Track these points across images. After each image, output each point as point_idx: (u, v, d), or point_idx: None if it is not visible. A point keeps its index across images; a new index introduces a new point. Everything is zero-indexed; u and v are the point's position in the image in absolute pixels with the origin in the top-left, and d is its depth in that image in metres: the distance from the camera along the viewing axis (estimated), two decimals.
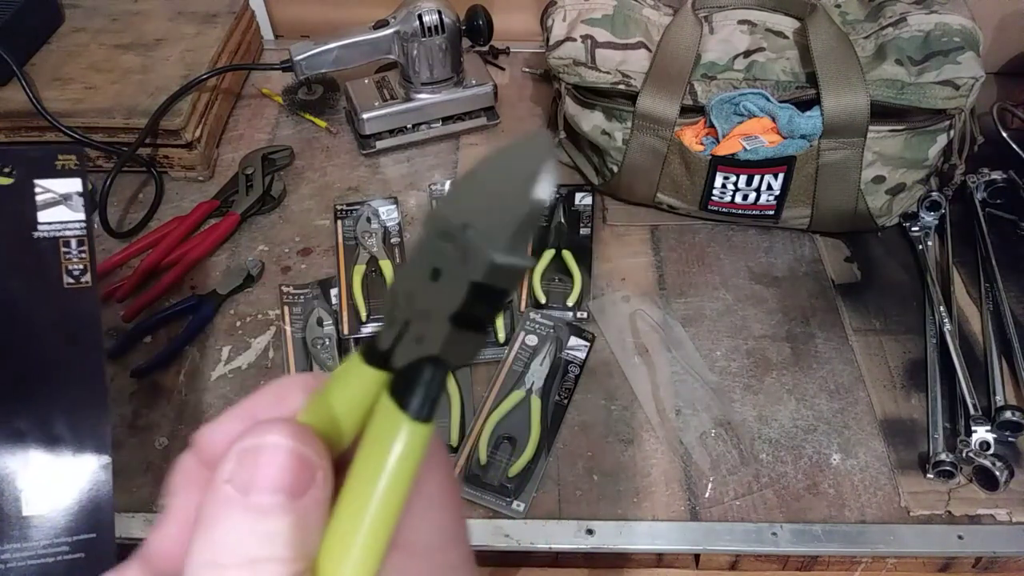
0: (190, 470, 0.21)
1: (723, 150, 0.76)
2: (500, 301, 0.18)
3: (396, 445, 0.18)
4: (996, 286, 0.76)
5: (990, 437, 0.64)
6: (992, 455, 0.63)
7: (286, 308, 0.76)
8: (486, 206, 0.17)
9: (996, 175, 0.85)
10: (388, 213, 0.85)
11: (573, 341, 0.73)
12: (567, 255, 0.80)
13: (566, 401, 0.69)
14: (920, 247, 0.81)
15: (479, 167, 0.18)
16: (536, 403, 0.68)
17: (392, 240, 0.82)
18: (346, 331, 0.74)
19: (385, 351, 0.19)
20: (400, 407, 0.18)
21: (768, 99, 0.76)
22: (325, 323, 0.74)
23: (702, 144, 0.78)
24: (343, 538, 0.18)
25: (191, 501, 0.20)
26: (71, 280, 0.52)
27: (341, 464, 0.20)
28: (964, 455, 0.63)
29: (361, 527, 0.18)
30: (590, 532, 0.62)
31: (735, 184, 0.77)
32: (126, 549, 0.30)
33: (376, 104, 0.91)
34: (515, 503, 0.63)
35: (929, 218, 0.82)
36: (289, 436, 0.18)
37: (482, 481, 0.64)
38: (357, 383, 0.20)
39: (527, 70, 1.05)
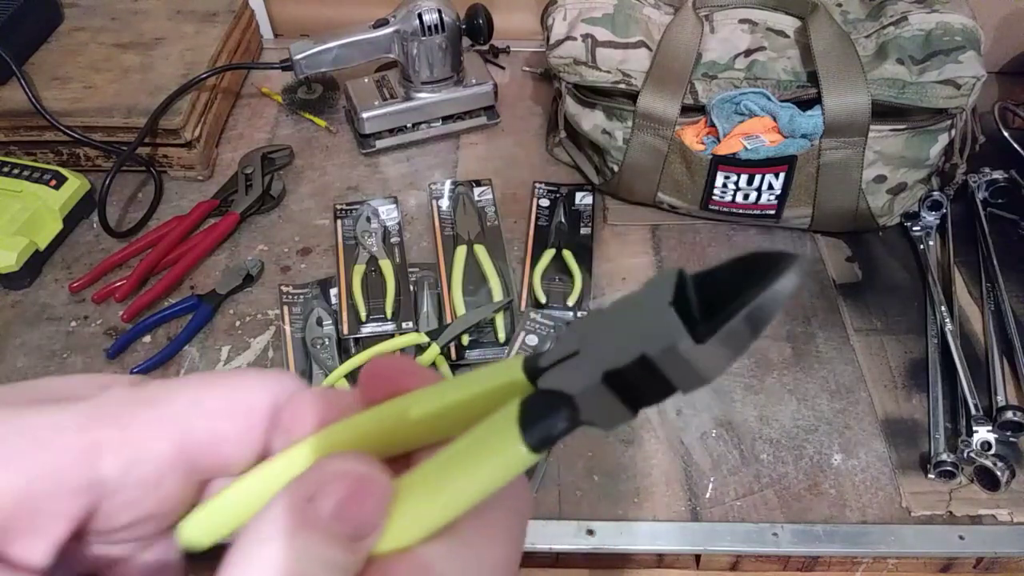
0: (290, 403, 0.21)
1: (724, 149, 0.76)
2: (660, 391, 0.17)
3: (496, 456, 0.18)
4: (997, 286, 0.76)
5: (991, 437, 0.64)
6: (993, 455, 0.63)
7: (285, 308, 0.76)
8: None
9: (997, 174, 0.84)
10: (388, 213, 0.84)
11: None
12: (567, 255, 0.80)
13: None
14: (921, 247, 0.80)
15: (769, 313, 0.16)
16: None
17: (392, 240, 0.82)
18: (346, 331, 0.73)
19: (541, 367, 0.19)
20: (520, 426, 0.18)
21: (769, 98, 0.76)
22: (325, 323, 0.74)
23: (703, 143, 0.78)
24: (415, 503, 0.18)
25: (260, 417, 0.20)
26: None
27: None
28: (965, 455, 0.63)
29: (430, 505, 0.18)
30: (590, 532, 0.61)
31: (736, 184, 0.77)
32: None
33: (376, 103, 0.91)
34: None
35: (930, 218, 0.82)
36: (378, 473, 0.18)
37: None
38: (504, 379, 0.19)
39: (527, 69, 1.05)
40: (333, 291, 0.77)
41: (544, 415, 0.18)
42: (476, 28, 0.89)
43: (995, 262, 0.77)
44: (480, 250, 0.80)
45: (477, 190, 0.87)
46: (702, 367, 0.16)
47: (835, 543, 0.61)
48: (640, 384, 0.16)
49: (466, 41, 0.91)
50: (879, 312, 0.76)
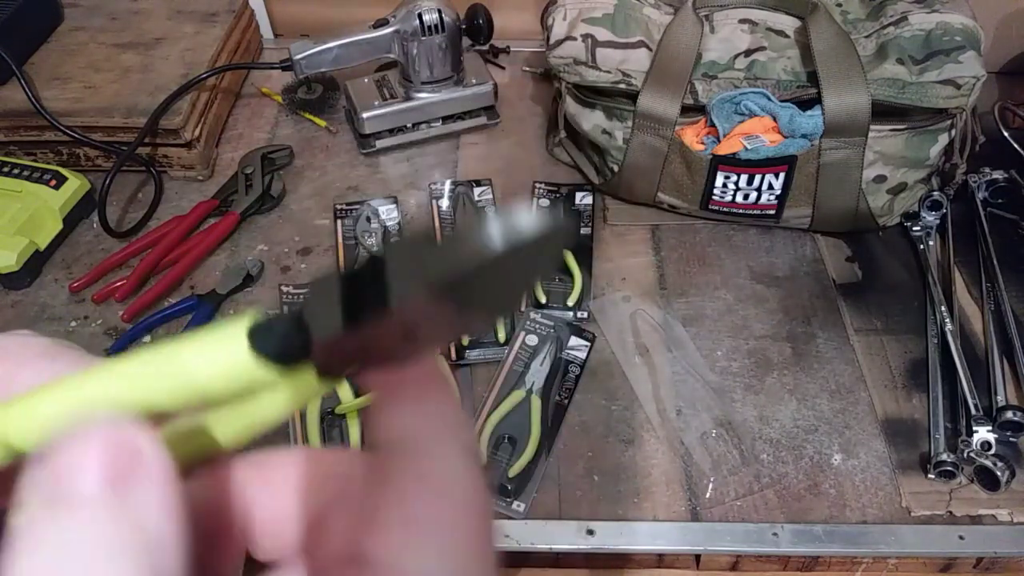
0: None
1: (724, 149, 0.76)
2: (378, 297, 0.16)
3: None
4: (997, 286, 0.76)
5: (991, 437, 0.64)
6: (993, 455, 0.63)
7: (285, 308, 0.76)
8: (490, 290, 0.16)
9: (997, 174, 0.84)
10: (388, 212, 0.84)
11: (573, 341, 0.73)
12: (567, 255, 0.80)
13: (566, 401, 0.69)
14: (921, 247, 0.80)
15: (494, 260, 0.15)
16: (536, 403, 0.68)
17: (392, 239, 0.82)
18: None
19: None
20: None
21: (769, 98, 0.76)
22: None
23: (703, 143, 0.78)
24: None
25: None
26: None
27: None
28: (965, 455, 0.63)
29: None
30: (590, 532, 0.61)
31: (736, 184, 0.77)
32: None
33: (376, 103, 0.91)
34: (515, 503, 0.63)
35: (930, 218, 0.82)
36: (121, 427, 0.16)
37: None
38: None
39: (527, 69, 1.05)
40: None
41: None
42: (476, 28, 0.89)
43: (995, 262, 0.77)
44: None
45: (477, 190, 0.87)
46: (428, 268, 0.15)
47: (835, 543, 0.61)
48: (364, 289, 0.16)
49: (466, 41, 0.91)
50: (879, 312, 0.76)
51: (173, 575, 0.15)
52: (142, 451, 0.15)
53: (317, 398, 0.18)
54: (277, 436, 0.63)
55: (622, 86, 0.78)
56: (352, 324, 0.16)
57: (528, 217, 0.15)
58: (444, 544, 0.18)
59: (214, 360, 0.17)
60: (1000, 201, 0.84)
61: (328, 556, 0.20)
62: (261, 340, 0.17)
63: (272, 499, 0.20)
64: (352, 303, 0.16)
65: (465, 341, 0.73)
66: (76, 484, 0.15)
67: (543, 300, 0.76)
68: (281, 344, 0.17)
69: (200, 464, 0.19)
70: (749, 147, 0.75)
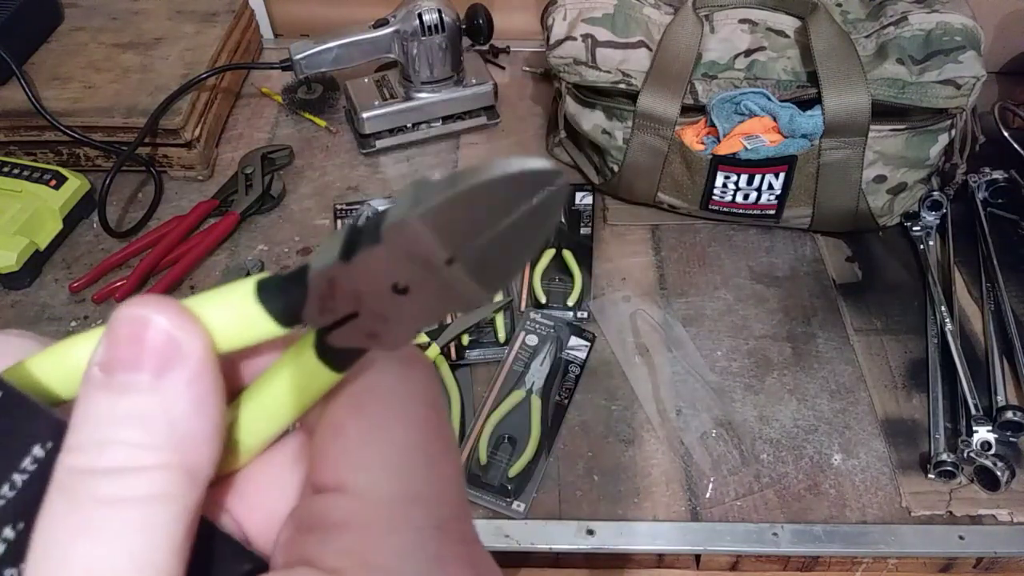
0: None
1: (724, 149, 0.76)
2: (372, 234, 0.16)
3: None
4: (997, 286, 0.76)
5: (991, 437, 0.64)
6: (993, 455, 0.63)
7: None
8: (481, 239, 0.15)
9: (997, 174, 0.84)
10: None
11: (573, 341, 0.73)
12: (567, 255, 0.79)
13: (566, 401, 0.69)
14: (921, 247, 0.80)
15: (484, 185, 0.15)
16: (536, 403, 0.68)
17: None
18: None
19: (297, 316, 0.18)
20: (329, 366, 0.18)
21: (769, 98, 0.76)
22: None
23: (703, 143, 0.78)
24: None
25: None
26: None
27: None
28: (965, 455, 0.63)
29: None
30: (590, 532, 0.61)
31: (736, 184, 0.77)
32: None
33: (376, 103, 0.91)
34: (515, 503, 0.63)
35: (930, 218, 0.82)
36: (157, 312, 0.16)
37: (482, 481, 0.64)
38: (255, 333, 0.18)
39: (527, 69, 1.05)
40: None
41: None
42: (476, 28, 0.89)
43: (995, 262, 0.77)
44: None
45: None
46: (420, 198, 0.15)
47: (835, 543, 0.61)
48: (363, 231, 0.16)
49: (466, 41, 0.91)
50: (879, 312, 0.76)
51: (202, 473, 0.16)
52: (180, 345, 0.16)
53: (318, 391, 0.18)
54: None
55: (622, 86, 0.78)
56: (348, 255, 0.16)
57: (523, 158, 0.15)
58: (392, 462, 0.18)
59: (224, 307, 0.17)
60: (1000, 201, 0.84)
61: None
62: (267, 288, 0.17)
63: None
64: (351, 242, 0.16)
65: (465, 340, 0.73)
66: (120, 368, 0.16)
67: (543, 300, 0.76)
68: (283, 287, 0.17)
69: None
70: (749, 147, 0.75)
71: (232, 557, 0.18)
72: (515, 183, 0.15)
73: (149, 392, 0.16)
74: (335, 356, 0.18)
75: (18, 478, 0.16)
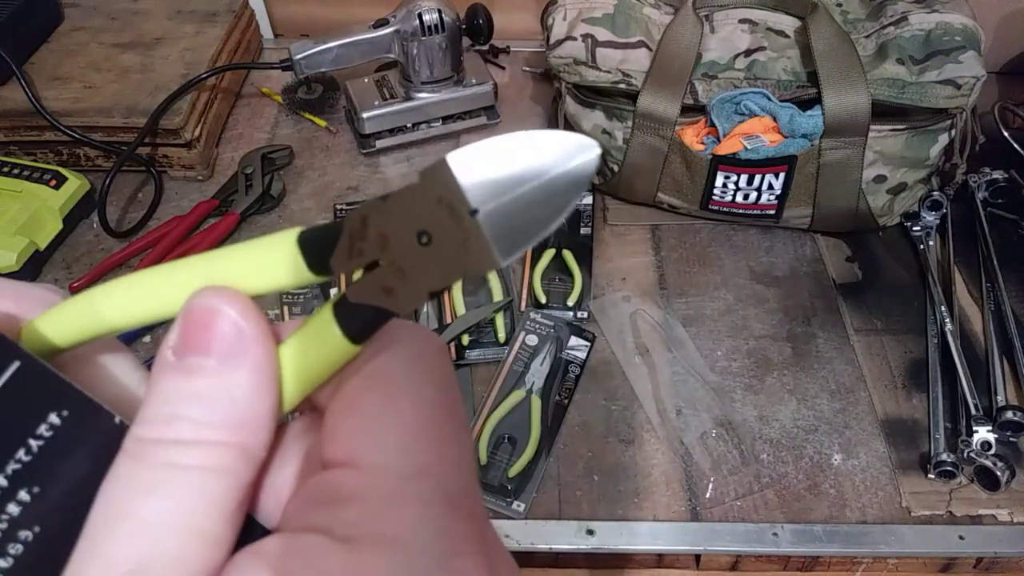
0: None
1: (724, 149, 0.76)
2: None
3: (327, 354, 0.19)
4: (997, 286, 0.76)
5: (991, 437, 0.64)
6: (993, 455, 0.63)
7: (285, 308, 0.76)
8: (506, 198, 0.16)
9: (997, 174, 0.84)
10: None
11: (573, 341, 0.73)
12: (567, 255, 0.79)
13: (566, 401, 0.69)
14: (921, 247, 0.80)
15: (513, 145, 0.16)
16: (536, 403, 0.68)
17: None
18: None
19: (328, 265, 0.19)
20: (345, 333, 0.18)
21: (769, 98, 0.76)
22: None
23: (703, 143, 0.78)
24: None
25: None
26: None
27: None
28: (965, 455, 0.63)
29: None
30: (590, 532, 0.61)
31: (736, 184, 0.77)
32: None
33: (376, 103, 0.91)
34: (515, 503, 0.63)
35: (930, 218, 0.82)
36: (227, 303, 0.18)
37: (482, 481, 0.64)
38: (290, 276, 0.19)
39: (527, 69, 1.05)
40: (333, 291, 0.77)
41: (367, 323, 0.18)
42: (476, 28, 0.89)
43: (995, 262, 0.77)
44: None
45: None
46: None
47: (835, 543, 0.61)
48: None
49: (466, 41, 0.91)
50: (879, 312, 0.76)
51: (257, 452, 0.18)
52: (246, 335, 0.18)
53: (334, 363, 0.20)
54: None
55: (622, 86, 0.78)
56: (385, 196, 0.17)
57: (562, 131, 0.16)
58: (403, 440, 0.18)
59: (266, 249, 0.19)
60: (1000, 201, 0.84)
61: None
62: (307, 235, 0.18)
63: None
64: (391, 192, 0.17)
65: (465, 340, 0.73)
66: (190, 352, 0.18)
67: (543, 300, 0.76)
68: (322, 233, 0.18)
69: None
70: (749, 147, 0.75)
71: (244, 528, 0.19)
72: (551, 149, 0.16)
73: (214, 375, 0.17)
74: (352, 320, 0.18)
75: (34, 443, 0.17)
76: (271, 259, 0.19)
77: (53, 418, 0.18)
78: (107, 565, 0.16)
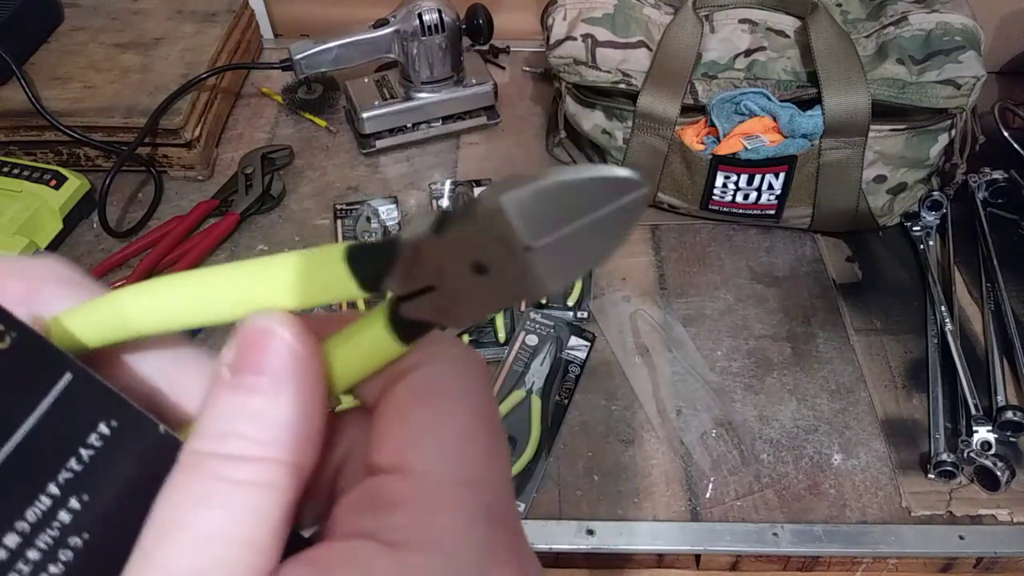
0: None
1: (724, 149, 0.76)
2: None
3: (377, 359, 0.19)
4: (997, 286, 0.76)
5: (991, 437, 0.64)
6: (993, 455, 0.63)
7: None
8: (559, 234, 0.17)
9: (997, 174, 0.84)
10: (388, 212, 0.84)
11: (573, 341, 0.73)
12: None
13: (566, 401, 0.69)
14: (921, 247, 0.80)
15: (564, 181, 0.16)
16: (536, 403, 0.68)
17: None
18: None
19: (378, 281, 0.19)
20: (396, 335, 0.19)
21: (769, 98, 0.76)
22: None
23: (703, 143, 0.78)
24: None
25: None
26: None
27: None
28: (965, 455, 0.63)
29: None
30: (590, 532, 0.61)
31: (736, 184, 0.77)
32: None
33: (376, 103, 0.91)
34: (515, 503, 0.63)
35: (930, 218, 0.82)
36: (282, 325, 0.19)
37: None
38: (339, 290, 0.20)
39: (527, 69, 1.05)
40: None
41: (417, 333, 0.19)
42: (476, 28, 0.89)
43: (995, 262, 0.77)
44: None
45: (477, 190, 0.87)
46: (512, 185, 0.16)
47: (835, 543, 0.61)
48: (456, 213, 0.17)
49: (466, 41, 0.91)
50: (879, 312, 0.76)
51: (304, 470, 0.18)
52: (299, 357, 0.18)
53: (381, 360, 0.20)
54: None
55: (622, 86, 0.78)
56: (440, 229, 0.17)
57: (612, 167, 0.16)
58: (451, 449, 0.19)
59: (313, 263, 0.19)
60: (1000, 201, 0.84)
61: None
62: (356, 253, 0.19)
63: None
64: (445, 219, 0.17)
65: (465, 340, 0.73)
66: (246, 371, 0.18)
67: (543, 300, 0.76)
68: (373, 253, 0.18)
69: None
70: (749, 147, 0.75)
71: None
72: (603, 185, 0.16)
73: (267, 395, 0.18)
74: (403, 327, 0.19)
75: (84, 452, 0.18)
76: (321, 275, 0.19)
77: (103, 428, 0.18)
78: (164, 574, 0.17)
